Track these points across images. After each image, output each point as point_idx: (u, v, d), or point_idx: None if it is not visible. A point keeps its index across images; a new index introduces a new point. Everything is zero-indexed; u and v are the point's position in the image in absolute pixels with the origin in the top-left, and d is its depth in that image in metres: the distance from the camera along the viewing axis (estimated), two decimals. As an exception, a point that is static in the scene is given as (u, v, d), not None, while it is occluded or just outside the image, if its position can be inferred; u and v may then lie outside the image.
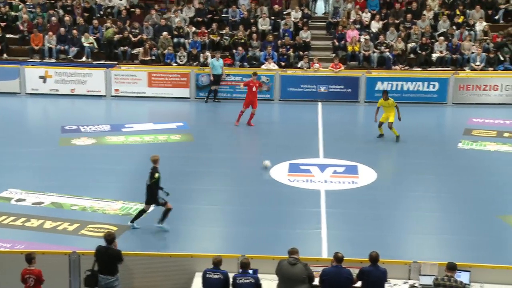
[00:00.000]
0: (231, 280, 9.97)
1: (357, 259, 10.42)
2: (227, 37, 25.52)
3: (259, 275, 10.10)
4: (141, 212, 13.28)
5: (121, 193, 15.06)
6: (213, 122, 21.27)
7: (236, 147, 18.63)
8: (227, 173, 16.58)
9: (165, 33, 25.21)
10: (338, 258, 9.96)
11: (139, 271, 10.66)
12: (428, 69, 23.98)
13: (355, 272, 9.98)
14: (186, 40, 25.46)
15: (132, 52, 25.20)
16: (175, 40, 25.36)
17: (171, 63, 24.66)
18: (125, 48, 25.15)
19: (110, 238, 10.28)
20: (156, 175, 12.89)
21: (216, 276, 9.92)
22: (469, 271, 10.21)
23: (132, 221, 13.26)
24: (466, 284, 9.89)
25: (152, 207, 13.37)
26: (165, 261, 10.73)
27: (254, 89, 20.05)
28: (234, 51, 24.74)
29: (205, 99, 23.11)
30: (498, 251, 12.43)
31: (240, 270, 10.03)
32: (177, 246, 12.48)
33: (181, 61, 24.69)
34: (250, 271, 10.02)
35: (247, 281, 9.88)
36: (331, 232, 13.21)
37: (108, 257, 10.17)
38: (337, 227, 13.50)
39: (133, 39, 25.33)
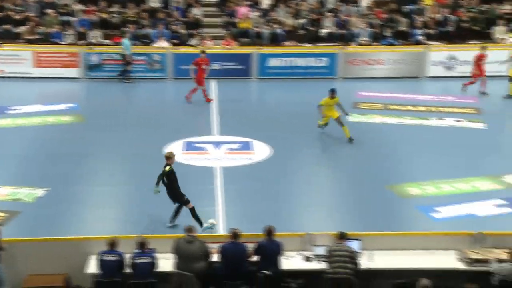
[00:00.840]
0: (128, 260, 9.90)
1: (253, 233, 10.58)
2: (116, 15, 24.95)
3: (156, 254, 10.08)
4: (196, 217, 12.24)
5: (10, 178, 14.51)
6: (105, 103, 20.79)
7: (130, 127, 18.33)
8: (121, 154, 16.32)
9: (50, 10, 24.29)
10: (235, 234, 10.11)
11: (32, 257, 10.38)
12: (318, 44, 24.47)
13: (252, 246, 10.16)
14: (74, 18, 24.67)
15: (16, 30, 24.13)
16: (62, 18, 24.51)
17: (59, 42, 23.84)
18: (7, 26, 24.03)
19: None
20: (167, 168, 12.08)
21: (111, 258, 9.82)
22: (359, 240, 10.62)
23: (201, 225, 12.15)
24: (356, 251, 10.30)
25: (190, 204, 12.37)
26: (57, 245, 10.50)
27: (203, 66, 20.13)
28: (124, 29, 24.22)
29: (127, 80, 22.52)
30: (386, 220, 12.97)
31: (137, 250, 9.97)
32: (70, 229, 12.20)
33: (69, 40, 23.91)
34: (147, 251, 9.99)
35: (144, 260, 9.85)
36: (228, 209, 13.33)
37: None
38: (233, 204, 13.63)
39: (16, 16, 24.24)
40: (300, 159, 16.05)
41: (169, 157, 12.34)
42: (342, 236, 10.02)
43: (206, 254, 10.04)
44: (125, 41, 22.37)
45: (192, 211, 12.22)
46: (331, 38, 24.71)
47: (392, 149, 16.74)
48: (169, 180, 12.17)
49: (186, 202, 12.25)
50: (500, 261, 9.95)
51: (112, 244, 9.92)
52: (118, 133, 17.65)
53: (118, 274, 9.84)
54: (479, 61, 21.05)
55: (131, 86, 22.33)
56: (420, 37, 24.37)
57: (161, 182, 12.14)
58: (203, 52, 20.63)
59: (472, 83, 21.25)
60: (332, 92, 17.15)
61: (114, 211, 13.42)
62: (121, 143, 16.94)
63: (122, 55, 22.38)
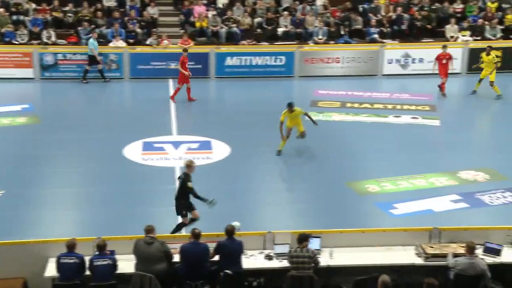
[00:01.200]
0: (87, 263, 9.78)
1: (214, 233, 10.57)
2: (70, 14, 24.60)
3: (116, 256, 9.99)
4: (177, 230, 11.87)
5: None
6: (60, 104, 20.50)
7: (86, 127, 18.11)
8: (78, 155, 16.11)
9: (1, 9, 23.82)
10: (195, 234, 10.09)
11: (-12, 262, 10.16)
12: (275, 43, 24.56)
13: (213, 246, 10.15)
14: (26, 18, 24.23)
15: (-34, 30, 23.63)
16: (14, 17, 24.05)
17: (12, 41, 23.39)
18: (-43, 26, 23.52)
19: None
20: (190, 184, 11.62)
21: (71, 261, 9.69)
22: (319, 237, 10.70)
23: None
24: (316, 249, 10.38)
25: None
26: (14, 249, 10.30)
27: (186, 66, 20.12)
28: (79, 28, 23.90)
29: (105, 80, 22.23)
30: (345, 217, 13.09)
31: (97, 252, 9.86)
32: (28, 232, 11.98)
33: (22, 40, 23.48)
34: (107, 253, 9.89)
35: (105, 262, 9.75)
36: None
37: None
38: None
39: (-34, 16, 23.75)
40: (259, 158, 16.08)
41: (189, 166, 11.88)
42: (302, 239, 10.01)
43: (167, 255, 9.99)
44: (92, 41, 22.07)
45: (180, 226, 11.89)
46: (287, 37, 24.83)
47: (350, 147, 16.90)
48: (186, 191, 11.74)
49: (184, 216, 11.86)
50: (457, 255, 10.14)
51: (71, 247, 9.79)
52: (74, 135, 17.40)
53: (77, 277, 9.71)
54: (440, 60, 21.07)
55: (88, 87, 22.05)
56: (375, 36, 24.68)
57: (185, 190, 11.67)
58: (185, 50, 20.53)
59: (443, 84, 21.02)
60: (290, 106, 15.91)
61: (72, 213, 13.24)
62: (78, 145, 16.71)
63: (90, 55, 22.04)
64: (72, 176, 15.00)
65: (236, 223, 10.65)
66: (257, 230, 11.23)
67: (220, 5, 25.76)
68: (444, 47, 21.33)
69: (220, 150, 16.45)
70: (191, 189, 11.69)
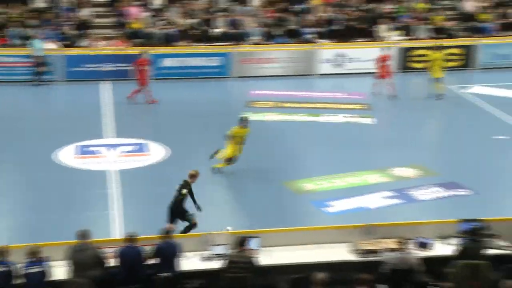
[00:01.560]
0: (18, 271, 9.55)
1: (151, 236, 10.48)
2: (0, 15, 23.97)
3: (49, 263, 9.79)
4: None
5: None
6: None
7: (17, 132, 17.66)
8: (10, 161, 15.72)
9: None
10: (131, 238, 9.98)
11: None
12: (211, 44, 24.53)
13: (148, 249, 10.07)
14: (-47, 19, 23.50)
15: None
16: None
17: None
18: None
19: None
20: (184, 191, 11.76)
21: (0, 269, 9.44)
22: (258, 237, 10.75)
23: None
24: (255, 249, 10.42)
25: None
26: None
27: (146, 67, 19.96)
28: (9, 30, 23.29)
29: (37, 83, 21.62)
30: (283, 216, 13.19)
31: (28, 260, 9.64)
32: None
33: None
34: (39, 260, 9.68)
35: (36, 270, 9.54)
36: (123, 212, 13.13)
37: None
38: (130, 207, 13.44)
39: None
40: (197, 159, 16.00)
41: (194, 176, 11.99)
42: (241, 243, 10.00)
43: (100, 260, 9.85)
44: (35, 42, 21.53)
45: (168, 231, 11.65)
46: (223, 37, 24.83)
47: (286, 147, 17.04)
48: (181, 197, 11.81)
49: (171, 221, 11.75)
50: (391, 250, 10.36)
51: (1, 254, 9.54)
52: (4, 140, 16.95)
53: (7, 285, 9.47)
54: (382, 62, 21.22)
55: (19, 90, 21.52)
56: (310, 36, 24.95)
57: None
58: (144, 52, 20.40)
59: (390, 86, 21.12)
60: (243, 121, 14.84)
61: (2, 220, 12.89)
62: (7, 150, 16.29)
63: (34, 57, 21.50)
64: (3, 182, 14.61)
65: (228, 228, 10.83)
66: (195, 231, 11.20)
67: (155, 6, 25.55)
68: (383, 49, 21.54)
69: (157, 152, 16.33)
70: (183, 195, 11.75)
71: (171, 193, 14.05)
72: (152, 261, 10.08)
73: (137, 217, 13.04)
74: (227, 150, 14.60)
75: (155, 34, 24.36)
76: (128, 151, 16.41)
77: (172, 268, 10.01)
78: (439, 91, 20.72)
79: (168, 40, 24.36)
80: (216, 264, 10.33)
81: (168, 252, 10.04)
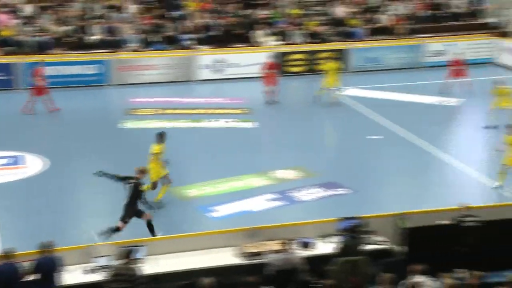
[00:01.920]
0: None
1: (31, 251, 10.12)
2: None
3: None
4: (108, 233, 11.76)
5: None
6: None
7: None
8: None
9: None
10: (7, 254, 9.58)
11: None
12: (87, 52, 24.00)
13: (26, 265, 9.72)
14: None
15: None
16: None
17: None
18: None
19: None
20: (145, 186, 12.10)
21: None
22: (144, 246, 10.66)
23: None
24: (142, 258, 10.32)
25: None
26: None
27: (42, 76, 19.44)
28: None
29: None
30: (169, 223, 13.07)
31: None
32: None
33: None
34: None
35: None
36: (2, 228, 12.58)
37: None
38: (7, 222, 12.91)
39: None
40: (77, 169, 15.65)
41: (143, 171, 12.23)
42: (126, 254, 9.82)
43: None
44: None
45: (115, 229, 11.80)
46: (100, 45, 24.39)
47: (169, 153, 16.93)
48: (136, 194, 11.91)
49: (123, 220, 11.85)
50: (275, 252, 10.60)
51: None
52: None
53: None
54: (267, 69, 21.40)
55: None
56: (188, 42, 25.00)
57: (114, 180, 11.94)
58: (42, 61, 19.81)
59: (273, 93, 21.26)
60: (161, 136, 14.10)
61: None
62: None
63: None
64: None
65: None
66: (78, 243, 10.94)
67: (26, 13, 24.66)
68: (269, 57, 21.73)
69: (35, 164, 15.79)
70: (143, 191, 11.98)
71: (50, 204, 13.71)
72: (31, 277, 9.72)
73: (16, 232, 12.54)
74: (151, 172, 13.70)
75: (26, 42, 23.51)
76: (2, 164, 15.74)
77: (53, 283, 9.70)
78: (320, 94, 21.38)
79: (41, 48, 23.59)
80: (99, 277, 10.14)
81: (47, 267, 9.72)
